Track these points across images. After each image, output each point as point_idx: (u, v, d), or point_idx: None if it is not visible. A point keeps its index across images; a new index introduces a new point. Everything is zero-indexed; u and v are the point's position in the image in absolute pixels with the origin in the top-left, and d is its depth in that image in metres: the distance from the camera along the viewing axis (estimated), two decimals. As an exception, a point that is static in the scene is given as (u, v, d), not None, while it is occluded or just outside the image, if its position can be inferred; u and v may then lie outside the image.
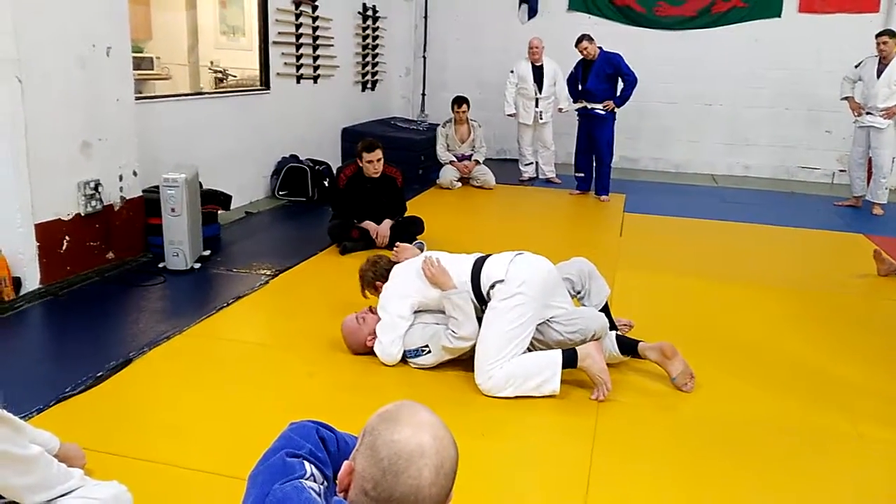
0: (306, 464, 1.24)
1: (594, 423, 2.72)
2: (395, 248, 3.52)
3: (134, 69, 4.56)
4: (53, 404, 2.70)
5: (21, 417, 2.48)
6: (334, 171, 6.66)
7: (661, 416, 2.81)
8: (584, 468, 2.42)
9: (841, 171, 8.40)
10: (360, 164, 4.88)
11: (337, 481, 1.17)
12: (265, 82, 6.53)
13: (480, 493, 2.25)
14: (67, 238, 3.97)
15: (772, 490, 2.36)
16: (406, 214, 5.20)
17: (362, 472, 1.08)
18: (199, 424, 2.63)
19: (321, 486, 1.22)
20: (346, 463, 1.14)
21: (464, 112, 7.46)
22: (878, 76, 6.68)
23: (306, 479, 1.21)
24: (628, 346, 3.09)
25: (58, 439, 2.12)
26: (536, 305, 2.92)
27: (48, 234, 3.84)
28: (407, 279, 3.14)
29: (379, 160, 4.84)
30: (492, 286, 2.95)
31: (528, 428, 2.69)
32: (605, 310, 3.26)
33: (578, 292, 3.28)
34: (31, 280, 3.78)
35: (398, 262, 3.30)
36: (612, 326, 3.22)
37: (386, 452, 1.06)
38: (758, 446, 2.62)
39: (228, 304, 3.84)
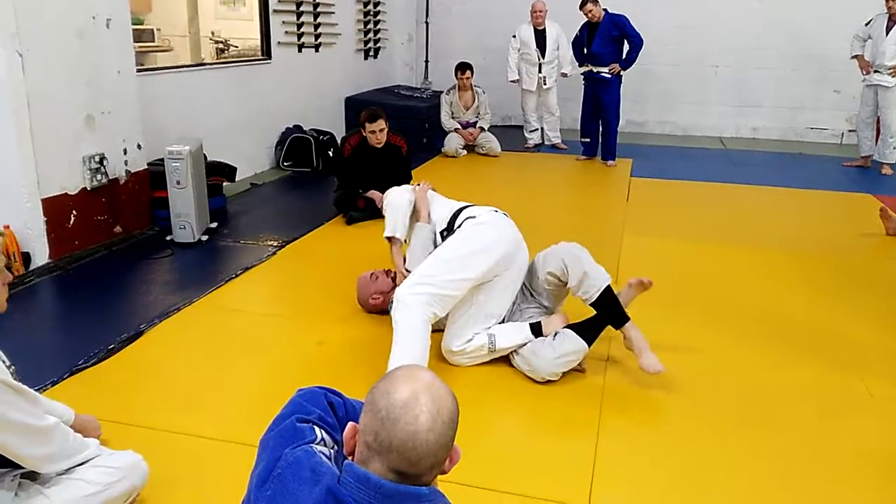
0: (316, 429, 1.26)
1: (602, 385, 2.74)
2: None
3: (135, 41, 4.53)
4: (67, 377, 2.73)
5: (36, 390, 2.52)
6: (338, 141, 6.64)
7: (669, 378, 2.81)
8: (592, 430, 2.44)
9: (850, 131, 8.30)
10: (364, 134, 4.85)
11: (343, 443, 1.18)
12: (266, 52, 6.48)
13: (489, 455, 2.29)
14: (74, 212, 3.98)
15: (781, 451, 2.37)
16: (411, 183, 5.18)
17: (364, 427, 1.12)
18: (210, 394, 2.66)
19: (331, 451, 1.24)
20: (349, 424, 1.17)
21: (467, 78, 7.38)
22: (887, 34, 6.57)
23: (317, 444, 1.22)
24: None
25: (72, 411, 2.15)
26: (497, 245, 2.82)
27: (55, 208, 3.85)
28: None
29: (382, 130, 4.80)
30: (465, 219, 2.96)
31: (538, 390, 2.71)
32: (609, 299, 2.77)
33: (566, 283, 2.80)
34: (40, 255, 3.81)
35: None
36: (623, 317, 2.80)
37: (383, 404, 1.10)
38: (767, 408, 2.64)
39: (237, 276, 3.85)
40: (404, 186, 3.31)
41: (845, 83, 8.10)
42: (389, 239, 3.17)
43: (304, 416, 1.29)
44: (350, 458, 1.16)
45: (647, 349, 2.73)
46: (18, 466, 1.72)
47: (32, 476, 1.75)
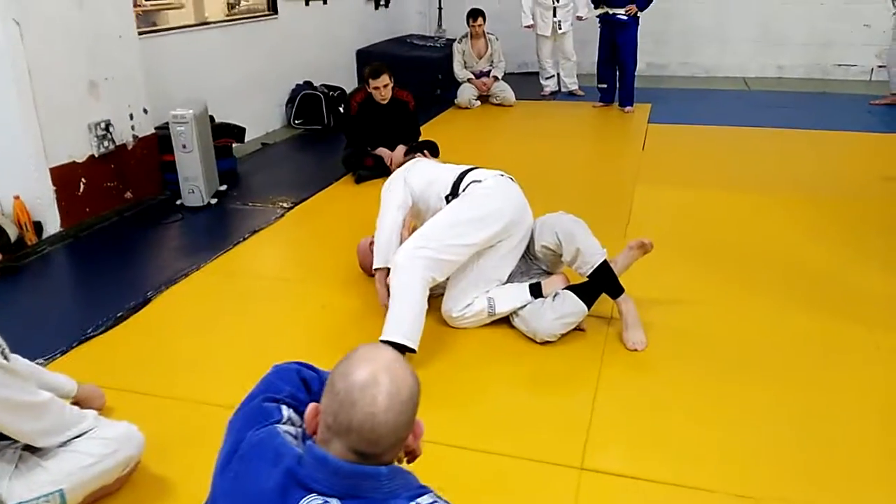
0: (283, 408, 1.26)
1: (602, 344, 2.72)
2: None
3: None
4: (76, 345, 2.79)
5: (45, 359, 2.60)
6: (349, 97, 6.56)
7: (673, 333, 2.79)
8: (590, 390, 2.44)
9: (880, 66, 7.98)
10: (369, 91, 4.79)
11: (305, 423, 1.19)
12: (273, 7, 6.37)
13: (484, 416, 2.30)
14: (83, 180, 4.01)
15: (783, 406, 2.35)
16: (422, 138, 5.13)
17: (324, 408, 1.12)
18: (217, 360, 2.70)
19: (299, 429, 1.24)
20: (311, 405, 1.17)
21: (480, 25, 7.20)
22: (921, -38, 6.25)
23: (283, 423, 1.23)
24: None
25: (74, 382, 2.20)
26: (502, 212, 2.76)
27: (64, 177, 3.88)
28: (397, 181, 3.05)
29: (386, 86, 4.73)
30: (470, 183, 2.86)
31: (537, 351, 2.70)
32: (604, 273, 2.73)
33: (561, 256, 2.78)
34: (52, 224, 3.86)
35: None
36: (618, 290, 2.76)
37: (342, 385, 1.09)
38: (771, 362, 2.61)
39: (245, 239, 3.87)
40: (398, 200, 2.95)
41: (876, 16, 7.74)
42: (378, 270, 2.87)
43: (272, 396, 1.30)
44: (314, 437, 1.17)
45: (635, 324, 2.72)
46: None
47: (33, 449, 1.80)
